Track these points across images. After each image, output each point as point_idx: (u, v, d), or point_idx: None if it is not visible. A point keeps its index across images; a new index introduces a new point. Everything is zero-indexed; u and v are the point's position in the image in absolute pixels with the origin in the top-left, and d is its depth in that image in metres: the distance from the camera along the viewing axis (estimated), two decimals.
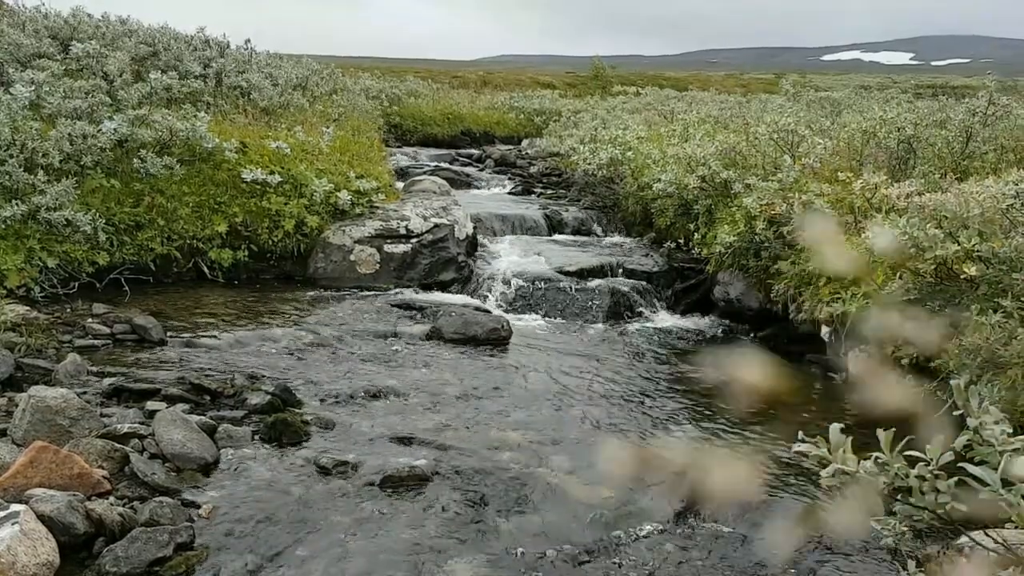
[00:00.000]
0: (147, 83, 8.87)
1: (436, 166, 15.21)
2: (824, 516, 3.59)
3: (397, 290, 7.80)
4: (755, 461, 4.27)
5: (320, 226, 7.94)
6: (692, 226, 8.02)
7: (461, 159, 17.68)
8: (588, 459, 4.20)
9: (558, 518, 3.57)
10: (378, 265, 7.92)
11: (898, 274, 4.89)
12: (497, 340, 6.25)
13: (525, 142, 20.96)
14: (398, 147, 18.66)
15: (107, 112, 7.77)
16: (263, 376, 5.01)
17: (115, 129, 7.27)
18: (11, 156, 6.61)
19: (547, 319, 7.29)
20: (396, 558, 3.18)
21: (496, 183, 14.38)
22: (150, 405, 4.31)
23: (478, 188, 13.89)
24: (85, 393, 4.39)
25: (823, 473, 1.67)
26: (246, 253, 7.66)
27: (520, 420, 4.69)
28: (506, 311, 7.34)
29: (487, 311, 7.11)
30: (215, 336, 5.81)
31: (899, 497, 1.72)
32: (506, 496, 3.73)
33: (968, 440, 1.69)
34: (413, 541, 3.31)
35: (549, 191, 13.37)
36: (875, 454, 1.67)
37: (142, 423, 4.01)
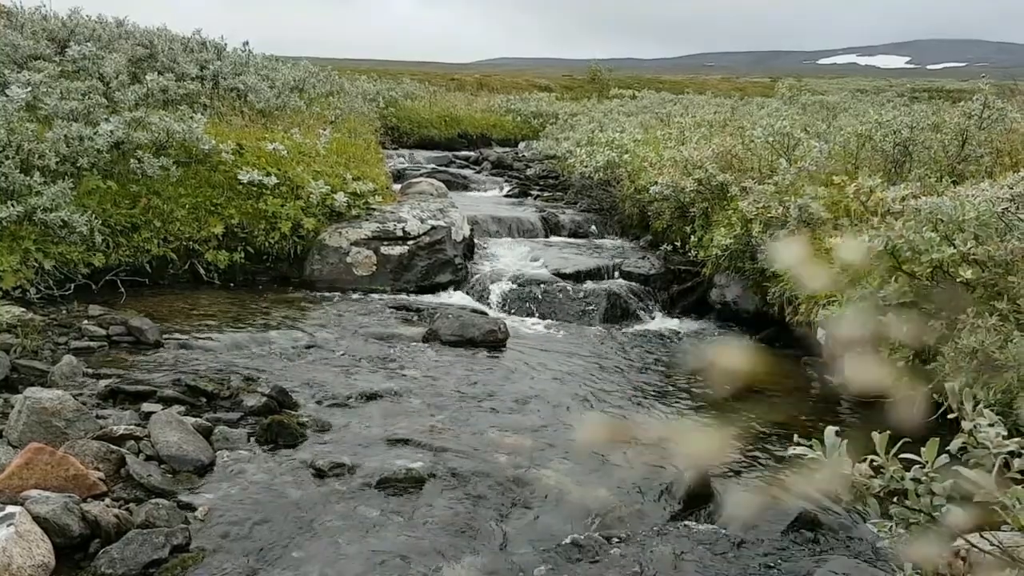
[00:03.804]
0: (144, 85, 8.87)
1: (433, 168, 15.23)
2: (822, 518, 3.60)
3: (394, 292, 7.80)
4: (752, 461, 4.28)
5: (317, 228, 7.93)
6: (689, 229, 8.03)
7: (458, 161, 17.71)
8: (585, 461, 4.19)
9: (555, 519, 3.57)
10: (375, 267, 7.91)
11: (894, 277, 4.90)
12: (494, 342, 6.25)
13: (522, 144, 21.00)
14: (395, 149, 18.67)
15: (104, 114, 7.76)
16: (259, 378, 5.00)
17: (111, 131, 7.27)
18: (7, 157, 6.60)
19: (544, 321, 7.29)
20: (392, 560, 3.18)
21: (493, 185, 14.40)
22: (146, 407, 4.30)
23: (475, 190, 13.91)
24: (81, 395, 4.39)
25: (819, 477, 1.67)
26: (242, 255, 7.65)
27: (517, 422, 4.69)
28: (503, 313, 7.34)
29: (484, 313, 7.11)
30: (211, 338, 5.81)
31: (895, 500, 1.73)
32: (503, 498, 3.73)
33: (963, 443, 1.69)
34: (409, 543, 3.31)
35: (546, 194, 13.39)
36: (870, 457, 1.68)
37: (138, 425, 4.01)
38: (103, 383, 4.65)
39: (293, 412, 4.55)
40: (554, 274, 8.02)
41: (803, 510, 3.61)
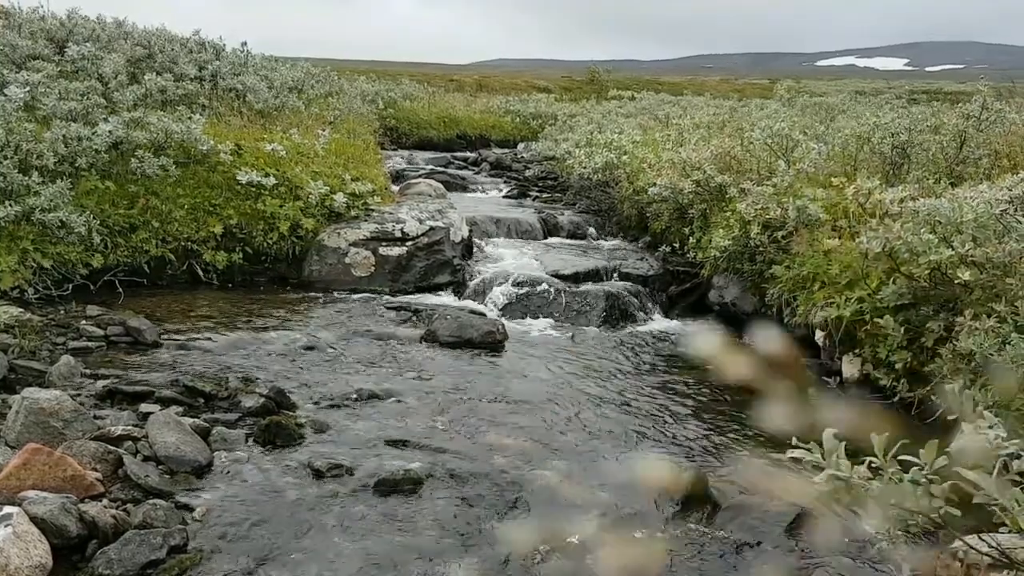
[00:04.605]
0: (142, 85, 8.86)
1: (432, 169, 15.22)
2: (820, 519, 3.59)
3: (392, 293, 7.79)
4: (750, 463, 4.27)
5: (315, 228, 7.92)
6: (687, 230, 8.03)
7: (457, 162, 17.71)
8: (582, 462, 4.19)
9: (553, 521, 3.57)
10: (373, 268, 7.91)
11: (892, 279, 4.91)
12: (492, 343, 6.25)
13: (521, 146, 21.02)
14: (394, 150, 18.67)
15: (102, 114, 7.76)
16: (257, 379, 5.00)
17: (110, 131, 7.26)
18: (5, 157, 6.59)
19: (543, 322, 7.29)
20: (390, 561, 3.17)
21: (492, 186, 14.40)
22: (144, 407, 4.30)
23: (474, 191, 13.91)
24: (79, 395, 4.38)
25: (817, 479, 1.67)
26: (241, 255, 7.65)
27: (515, 423, 4.69)
28: (501, 314, 7.33)
29: (482, 314, 7.10)
30: (209, 338, 5.80)
31: (893, 501, 1.73)
32: (500, 499, 3.73)
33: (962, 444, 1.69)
34: (407, 544, 3.31)
35: (545, 195, 13.40)
36: (869, 458, 1.68)
37: (136, 425, 4.00)
38: (101, 383, 4.64)
39: (291, 413, 4.54)
40: (553, 275, 8.01)
41: (801, 511, 3.60)
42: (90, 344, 5.43)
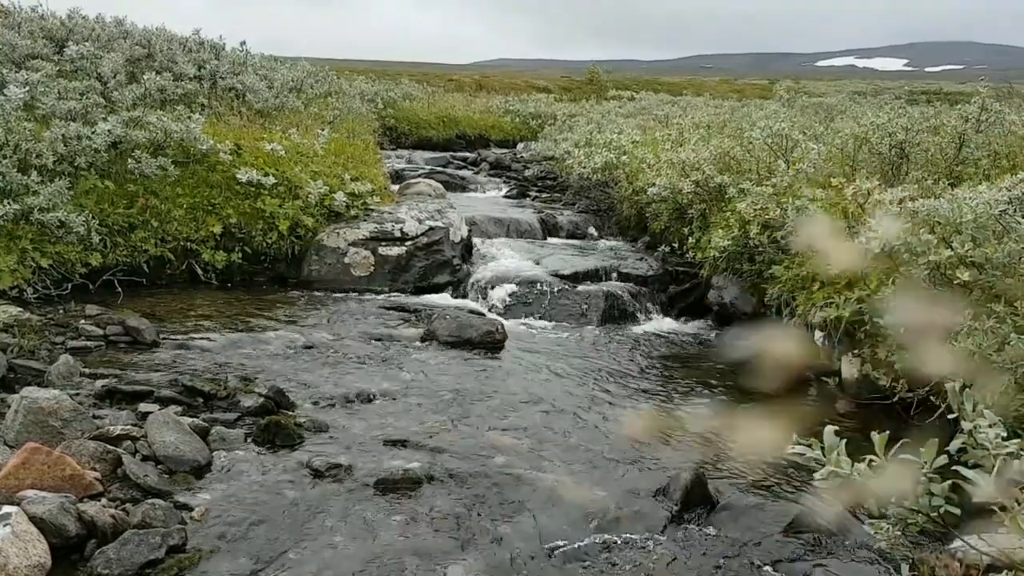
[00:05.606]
0: (141, 84, 8.85)
1: (431, 169, 15.23)
2: (817, 518, 3.59)
3: (391, 293, 7.79)
4: (749, 464, 4.27)
5: (315, 228, 7.92)
6: (687, 230, 8.02)
7: (456, 162, 17.71)
8: (582, 462, 4.19)
9: (552, 521, 3.56)
10: (372, 268, 7.91)
11: (891, 279, 4.90)
12: (492, 343, 6.25)
13: (520, 145, 21.03)
14: (393, 150, 18.67)
15: (101, 113, 7.75)
16: (256, 378, 4.99)
17: (109, 130, 7.26)
18: (4, 157, 6.59)
19: (542, 322, 7.29)
20: (390, 561, 3.17)
21: (491, 186, 14.41)
22: (143, 407, 4.29)
23: (473, 191, 13.91)
24: (78, 395, 4.38)
25: (817, 475, 1.67)
26: (240, 255, 7.64)
27: (515, 423, 4.68)
28: (501, 314, 7.33)
29: (482, 314, 7.10)
30: (208, 338, 5.80)
31: (893, 500, 1.73)
32: (500, 499, 3.73)
33: (962, 444, 1.69)
34: (407, 544, 3.30)
35: (544, 195, 13.40)
36: (869, 457, 1.67)
37: (135, 425, 4.00)
38: (100, 383, 4.63)
39: (290, 413, 4.54)
40: (552, 275, 8.01)
41: (801, 511, 3.60)
42: (89, 343, 5.43)
